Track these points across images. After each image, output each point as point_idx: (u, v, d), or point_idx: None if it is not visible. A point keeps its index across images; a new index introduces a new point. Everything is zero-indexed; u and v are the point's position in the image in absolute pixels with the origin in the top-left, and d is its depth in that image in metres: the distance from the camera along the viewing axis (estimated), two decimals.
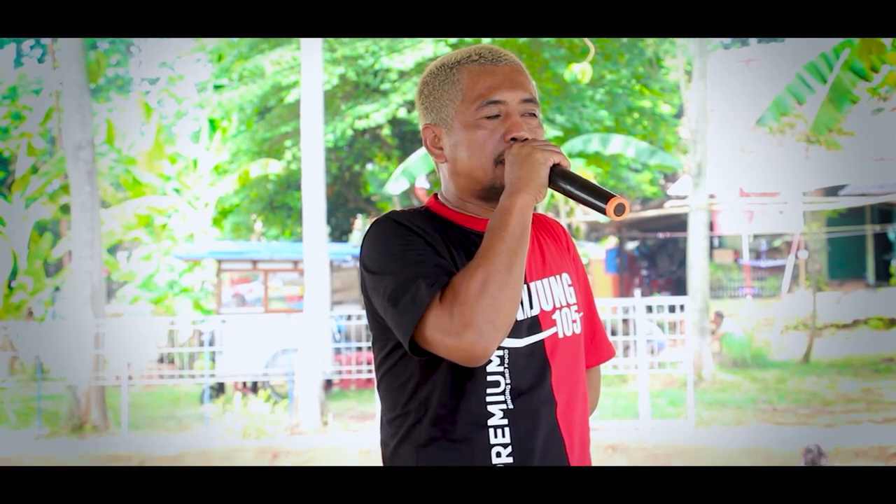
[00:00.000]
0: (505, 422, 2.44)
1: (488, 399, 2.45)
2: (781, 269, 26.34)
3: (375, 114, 20.76)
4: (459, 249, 2.51)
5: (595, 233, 32.58)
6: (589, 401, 2.68)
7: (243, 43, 23.24)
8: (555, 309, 2.55)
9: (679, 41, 19.67)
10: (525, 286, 2.51)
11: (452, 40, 20.00)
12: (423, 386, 2.46)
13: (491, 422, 2.44)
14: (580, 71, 15.08)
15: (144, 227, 22.86)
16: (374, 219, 2.60)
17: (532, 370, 2.48)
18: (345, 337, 16.85)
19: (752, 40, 34.54)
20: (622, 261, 29.55)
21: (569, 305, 2.58)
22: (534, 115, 2.55)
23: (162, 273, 22.32)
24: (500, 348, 2.45)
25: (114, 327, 15.63)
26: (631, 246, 31.74)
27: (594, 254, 30.01)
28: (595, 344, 2.75)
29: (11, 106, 34.46)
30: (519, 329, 2.48)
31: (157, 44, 47.79)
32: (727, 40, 34.22)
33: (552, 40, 22.10)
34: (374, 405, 14.61)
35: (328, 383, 16.77)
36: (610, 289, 28.18)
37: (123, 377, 14.72)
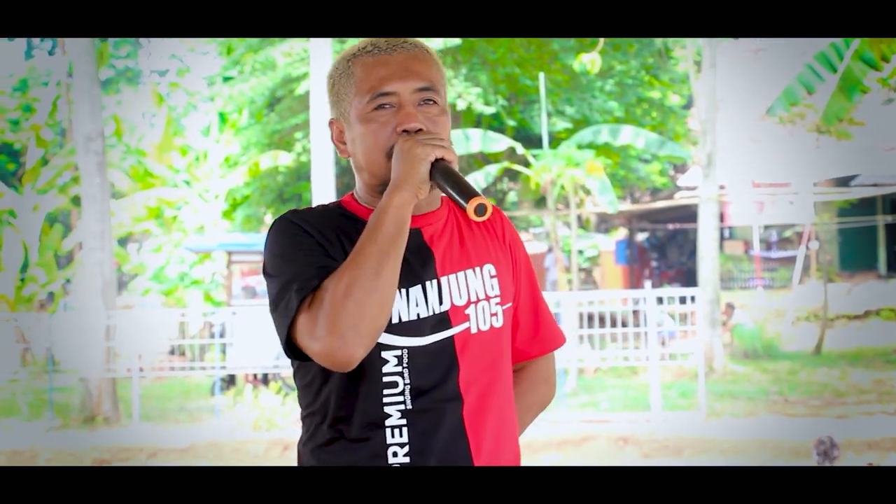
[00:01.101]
0: (403, 422, 2.38)
1: (385, 400, 2.39)
2: (792, 259, 26.30)
3: None
4: None
5: (605, 224, 32.55)
6: (539, 393, 2.67)
7: None
8: (469, 303, 2.47)
9: None
10: (435, 281, 2.45)
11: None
12: (323, 387, 2.43)
13: (388, 422, 2.38)
14: (589, 61, 15.07)
15: (155, 218, 22.88)
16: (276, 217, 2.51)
17: (436, 369, 2.41)
18: None
19: None
20: (632, 252, 29.50)
21: (488, 298, 2.49)
22: (434, 102, 2.46)
23: (172, 265, 22.34)
24: (398, 348, 2.40)
25: (125, 319, 15.66)
26: (641, 237, 31.70)
27: (604, 245, 29.97)
28: (540, 333, 2.67)
29: (22, 98, 34.50)
30: (422, 327, 2.42)
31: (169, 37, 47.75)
32: None
33: None
34: None
35: None
36: (620, 280, 28.14)
37: (134, 369, 14.74)
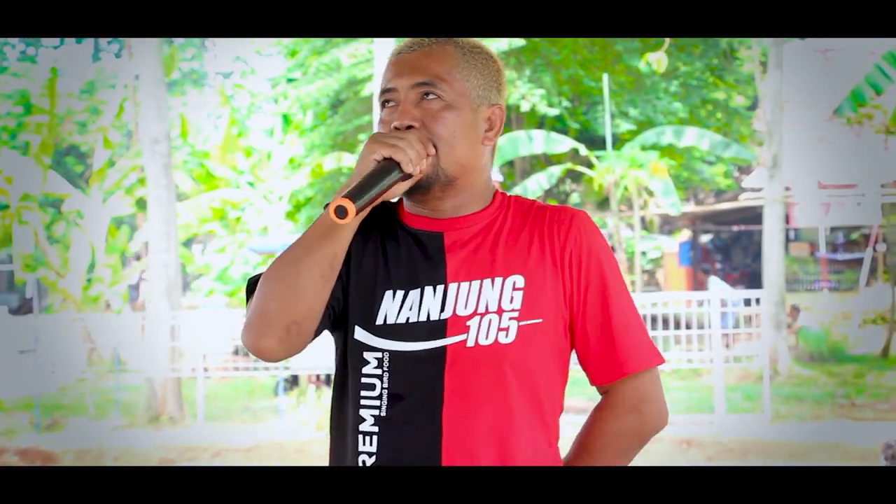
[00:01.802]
0: (375, 429, 2.28)
1: (362, 402, 2.30)
2: (859, 262, 26.03)
3: None
4: (390, 242, 2.39)
5: (668, 225, 32.38)
6: (625, 422, 2.38)
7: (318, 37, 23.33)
8: (474, 314, 2.29)
9: None
10: (441, 287, 2.32)
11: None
12: (335, 374, 2.42)
13: (362, 427, 2.29)
14: (655, 60, 14.98)
15: (219, 219, 23.04)
16: None
17: (419, 379, 2.27)
18: None
19: None
20: (696, 254, 29.33)
21: (500, 311, 2.29)
22: (436, 96, 2.35)
23: (236, 266, 22.49)
24: (379, 350, 2.30)
25: (189, 319, 15.77)
26: (705, 239, 31.51)
27: (667, 247, 29.82)
28: (614, 356, 2.37)
29: (89, 100, 34.90)
30: (409, 332, 2.29)
31: (231, 38, 48.14)
32: None
33: None
34: None
35: None
36: (683, 282, 27.99)
37: (199, 369, 14.84)
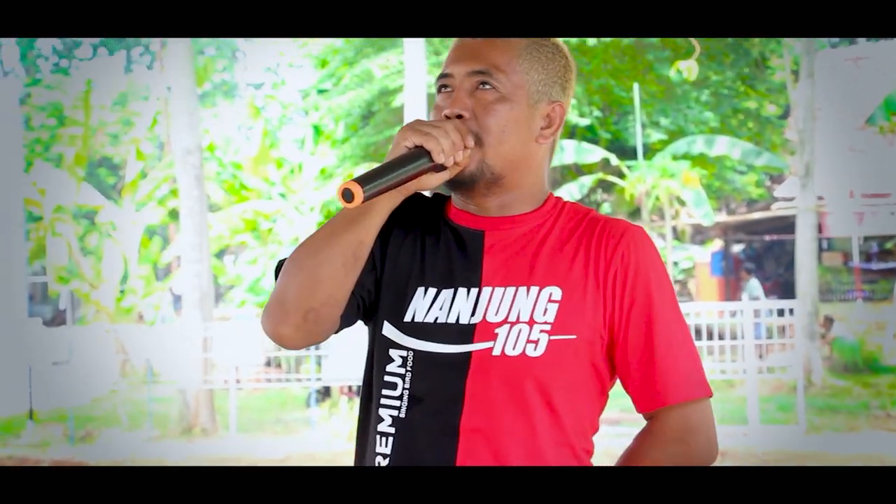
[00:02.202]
0: (391, 430, 2.22)
1: (382, 401, 2.24)
2: (893, 271, 25.85)
3: None
4: (430, 237, 2.32)
5: (700, 235, 32.27)
6: (668, 453, 2.22)
7: (348, 48, 23.40)
8: (504, 322, 2.20)
9: (785, 41, 19.39)
10: (476, 290, 2.23)
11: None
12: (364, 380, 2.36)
13: (380, 427, 2.23)
14: (686, 69, 14.95)
15: (251, 231, 23.09)
16: None
17: (441, 383, 2.19)
18: None
19: (861, 38, 33.99)
20: (728, 264, 29.19)
21: (532, 322, 2.19)
22: (491, 87, 2.25)
23: (268, 277, 22.53)
24: (404, 348, 2.23)
25: (222, 331, 15.81)
26: (737, 248, 31.38)
27: (699, 257, 29.71)
28: (655, 384, 2.24)
29: (122, 112, 35.09)
30: (436, 332, 2.21)
31: (262, 49, 48.37)
32: (835, 38, 33.71)
33: (656, 41, 21.94)
34: None
35: None
36: (715, 292, 27.87)
37: (231, 380, 14.88)
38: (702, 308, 14.99)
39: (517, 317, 2.20)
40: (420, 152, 2.14)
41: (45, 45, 41.97)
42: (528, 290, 2.23)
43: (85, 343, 19.17)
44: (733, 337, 13.88)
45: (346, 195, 2.07)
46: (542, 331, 2.19)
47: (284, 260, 2.26)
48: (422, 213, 2.34)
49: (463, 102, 2.24)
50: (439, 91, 2.29)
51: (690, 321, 13.78)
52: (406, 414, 2.21)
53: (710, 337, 13.74)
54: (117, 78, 39.50)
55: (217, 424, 14.93)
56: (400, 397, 2.22)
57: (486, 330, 2.19)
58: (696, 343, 13.22)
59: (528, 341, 2.18)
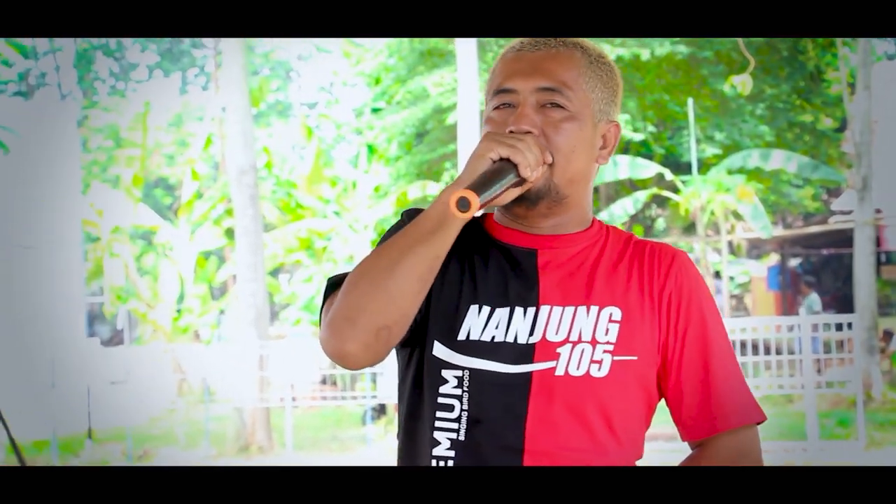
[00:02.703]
0: (451, 454, 2.13)
1: (437, 424, 2.14)
2: None
3: None
4: (476, 256, 2.21)
5: (756, 249, 32.05)
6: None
7: (401, 65, 23.47)
8: (565, 342, 2.14)
9: (841, 53, 19.25)
10: (533, 309, 2.16)
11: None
12: (401, 398, 2.24)
13: (436, 451, 2.14)
14: (741, 83, 14.84)
15: (305, 249, 23.18)
16: None
17: (500, 403, 2.11)
18: None
19: None
20: (784, 278, 28.97)
21: (594, 342, 2.14)
22: (558, 106, 2.17)
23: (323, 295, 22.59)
24: (459, 368, 2.14)
25: (277, 349, 15.86)
26: (794, 262, 31.13)
27: (755, 271, 29.51)
28: (710, 409, 2.21)
29: (177, 133, 35.38)
30: (498, 352, 2.13)
31: (316, 68, 48.64)
32: (892, 50, 33.39)
33: (710, 55, 21.84)
34: None
35: None
36: (772, 307, 27.65)
37: (287, 398, 14.92)
38: (759, 323, 14.87)
39: (579, 336, 2.15)
40: (508, 166, 2.08)
41: (102, 67, 42.40)
42: (587, 310, 2.18)
43: (142, 362, 19.33)
44: (791, 352, 13.76)
45: (463, 204, 2.00)
46: (605, 351, 2.15)
47: (338, 277, 2.17)
48: (473, 233, 2.25)
49: (531, 119, 2.16)
50: (496, 106, 2.21)
51: (747, 336, 13.69)
52: (466, 436, 2.12)
53: (767, 352, 13.62)
54: (172, 99, 39.85)
55: (273, 442, 14.97)
56: (457, 419, 2.13)
57: (547, 349, 2.14)
58: (754, 358, 13.15)
59: (592, 361, 2.14)
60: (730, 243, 23.65)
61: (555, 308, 2.17)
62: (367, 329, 2.03)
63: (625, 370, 2.16)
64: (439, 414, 2.14)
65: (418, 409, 2.18)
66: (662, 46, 20.31)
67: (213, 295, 24.34)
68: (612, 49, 20.04)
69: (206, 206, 22.40)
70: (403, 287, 2.03)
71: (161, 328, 21.58)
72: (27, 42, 34.46)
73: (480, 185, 2.03)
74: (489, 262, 2.21)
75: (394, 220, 2.27)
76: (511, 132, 2.13)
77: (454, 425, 2.13)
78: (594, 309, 2.18)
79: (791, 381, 13.81)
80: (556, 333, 2.15)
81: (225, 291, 25.45)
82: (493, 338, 2.14)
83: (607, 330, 2.16)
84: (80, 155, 27.60)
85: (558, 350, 2.13)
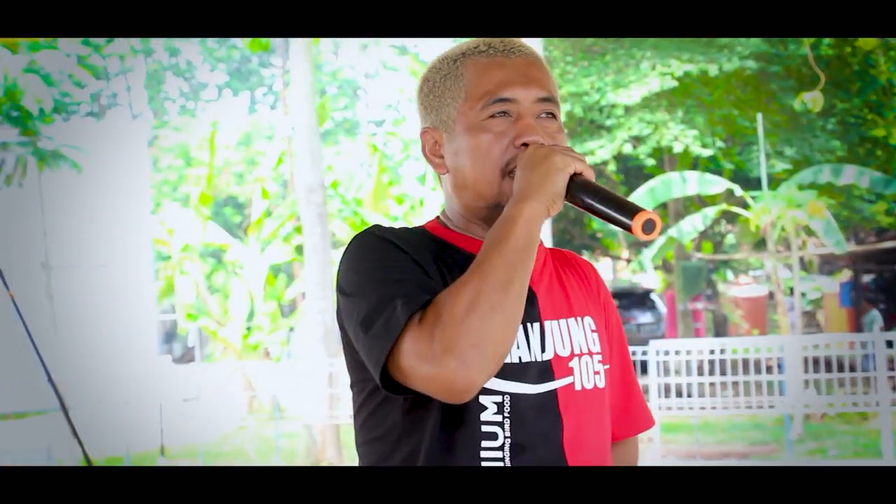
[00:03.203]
0: None
1: (483, 454, 2.04)
2: None
3: (601, 150, 20.69)
4: (456, 273, 2.04)
5: (828, 266, 31.72)
6: None
7: None
8: (573, 355, 2.13)
9: None
10: (538, 325, 2.13)
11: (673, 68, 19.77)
12: (407, 438, 2.08)
13: None
14: (811, 100, 14.71)
15: None
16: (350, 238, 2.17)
17: (540, 424, 2.07)
18: None
19: None
20: (857, 294, 28.65)
21: (591, 354, 2.16)
22: (553, 116, 2.13)
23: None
24: (499, 393, 2.05)
25: (346, 367, 15.88)
26: (867, 278, 30.78)
27: (828, 287, 29.20)
28: (632, 410, 2.31)
29: (246, 152, 35.65)
30: (526, 373, 2.08)
31: (382, 86, 48.85)
32: None
33: (780, 70, 21.68)
34: None
35: None
36: (845, 323, 27.35)
37: None
38: (832, 339, 14.71)
39: (580, 349, 2.16)
40: (617, 195, 2.04)
41: (172, 87, 42.87)
42: (577, 321, 2.19)
43: (213, 380, 19.48)
44: (864, 369, 13.59)
45: (649, 227, 1.95)
46: (599, 361, 2.18)
47: (423, 300, 1.97)
48: (442, 250, 2.16)
49: (537, 131, 2.11)
50: (492, 116, 2.11)
51: (820, 353, 13.54)
52: (513, 462, 2.06)
53: (840, 369, 13.47)
54: (241, 118, 40.20)
55: (344, 459, 15.01)
56: (501, 447, 2.05)
57: (561, 365, 2.12)
58: (827, 375, 12.99)
59: (594, 373, 2.16)
60: (801, 259, 23.43)
61: (553, 322, 2.15)
62: (494, 357, 1.91)
63: (609, 378, 2.22)
64: (484, 444, 2.05)
65: (450, 440, 2.06)
66: (731, 62, 20.17)
67: (282, 312, 24.47)
68: (679, 65, 19.95)
69: (275, 223, 22.54)
70: (517, 310, 1.94)
71: (231, 346, 21.72)
72: (99, 63, 34.92)
73: (627, 201, 2.01)
74: None
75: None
76: (525, 144, 2.08)
77: (499, 454, 2.05)
78: (579, 320, 2.19)
79: (865, 399, 13.63)
80: (563, 348, 2.13)
81: (294, 309, 25.57)
82: (521, 358, 2.09)
83: (594, 340, 2.19)
84: (151, 174, 27.90)
85: (570, 365, 2.13)
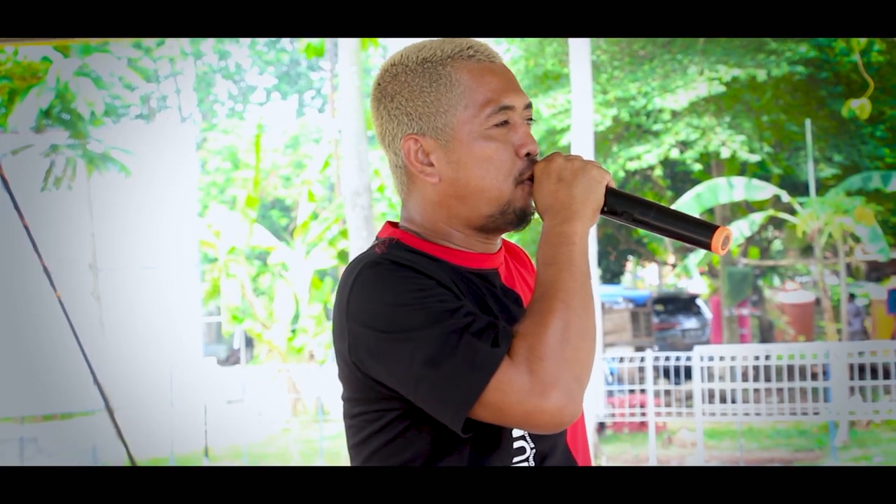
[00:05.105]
0: None
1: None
2: None
3: (647, 154, 20.62)
4: (461, 286, 2.02)
5: (876, 272, 31.47)
6: None
7: None
8: None
9: None
10: None
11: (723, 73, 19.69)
12: (437, 464, 2.00)
13: None
14: (859, 107, 14.62)
15: None
16: (358, 266, 2.04)
17: (555, 435, 2.06)
18: (617, 379, 16.74)
19: None
20: None
21: None
22: (532, 122, 2.09)
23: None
24: None
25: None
26: None
27: (875, 294, 28.95)
28: None
29: (293, 155, 35.78)
30: None
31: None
32: None
33: (829, 76, 21.55)
34: (647, 449, 14.42)
35: (601, 426, 16.68)
36: (892, 330, 27.09)
37: None
38: (878, 346, 14.60)
39: None
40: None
41: (221, 90, 43.15)
42: None
43: (258, 382, 19.55)
44: None
45: (727, 242, 1.94)
46: None
47: (476, 342, 1.89)
48: (456, 274, 2.05)
49: (532, 139, 2.08)
50: (496, 125, 2.04)
51: (866, 360, 13.45)
52: None
53: (886, 376, 13.38)
54: (289, 121, 40.35)
55: None
56: (527, 458, 2.03)
57: None
58: (873, 382, 12.95)
59: None
60: (848, 266, 23.27)
61: None
62: (587, 383, 1.89)
63: None
64: (516, 459, 2.02)
65: (486, 462, 2.01)
66: (779, 67, 20.06)
67: (327, 315, 24.52)
68: (727, 70, 19.86)
69: (321, 227, 22.60)
70: (595, 334, 1.91)
71: (276, 348, 21.80)
72: (149, 66, 35.20)
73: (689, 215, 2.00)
74: (480, 290, 2.08)
75: None
76: (527, 154, 2.05)
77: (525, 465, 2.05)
78: None
79: None
80: None
81: None
82: None
83: None
84: (199, 176, 28.08)
85: None
